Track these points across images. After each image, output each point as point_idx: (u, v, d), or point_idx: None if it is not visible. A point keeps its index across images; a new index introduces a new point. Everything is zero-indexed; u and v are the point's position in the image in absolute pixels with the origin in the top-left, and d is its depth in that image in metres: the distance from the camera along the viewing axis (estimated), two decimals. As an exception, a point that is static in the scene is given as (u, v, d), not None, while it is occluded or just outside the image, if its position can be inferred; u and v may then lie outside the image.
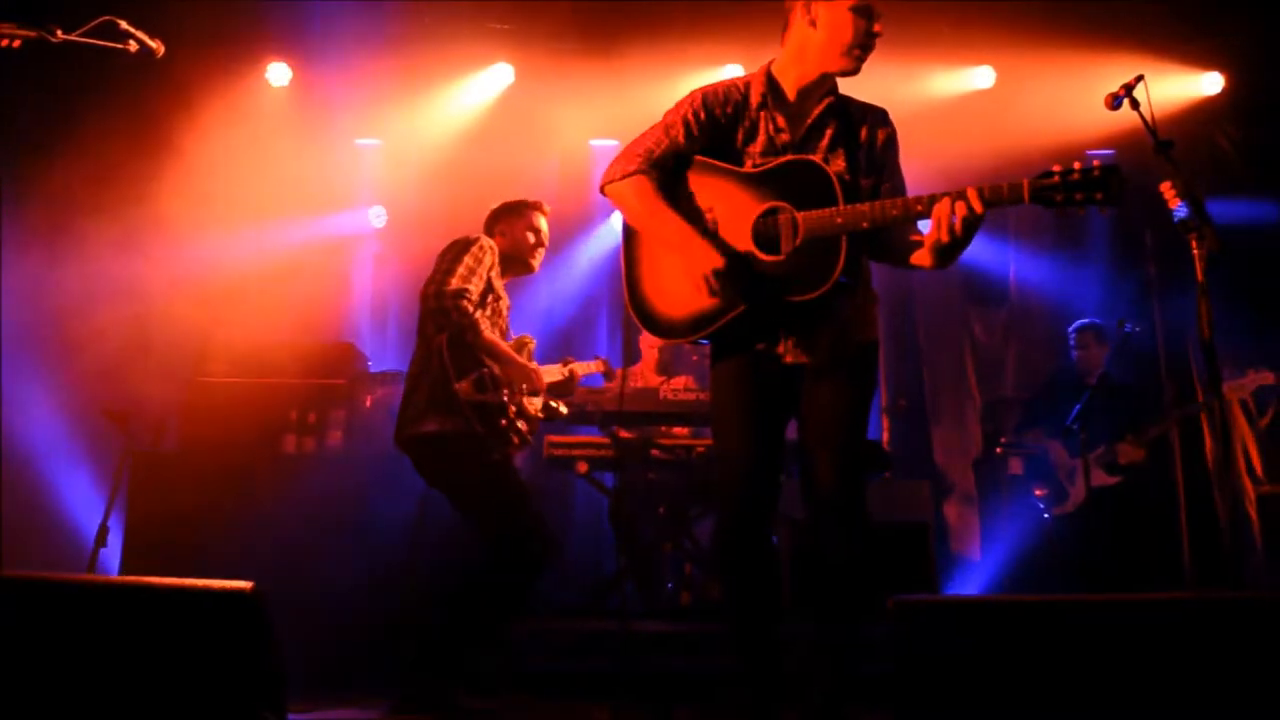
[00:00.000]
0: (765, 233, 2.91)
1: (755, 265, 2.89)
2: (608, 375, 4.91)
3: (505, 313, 4.13)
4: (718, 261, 2.85)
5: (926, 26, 6.25)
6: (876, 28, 2.94)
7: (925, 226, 2.85)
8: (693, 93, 3.09)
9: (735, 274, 2.86)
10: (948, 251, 2.79)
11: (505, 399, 3.87)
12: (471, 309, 3.83)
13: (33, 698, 2.08)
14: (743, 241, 2.93)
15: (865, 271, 3.08)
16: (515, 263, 4.23)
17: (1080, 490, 5.44)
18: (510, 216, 4.26)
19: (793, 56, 3.03)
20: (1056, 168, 2.63)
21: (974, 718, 2.09)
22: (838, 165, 2.94)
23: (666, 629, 4.50)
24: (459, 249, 3.96)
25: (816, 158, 2.95)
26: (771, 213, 2.90)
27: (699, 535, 5.31)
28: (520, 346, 4.10)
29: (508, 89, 6.77)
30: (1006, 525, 5.98)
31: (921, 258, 2.90)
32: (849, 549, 2.91)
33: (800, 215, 2.85)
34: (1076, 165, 2.62)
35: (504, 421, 3.85)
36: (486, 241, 4.05)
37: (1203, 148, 6.63)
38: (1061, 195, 2.62)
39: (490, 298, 4.00)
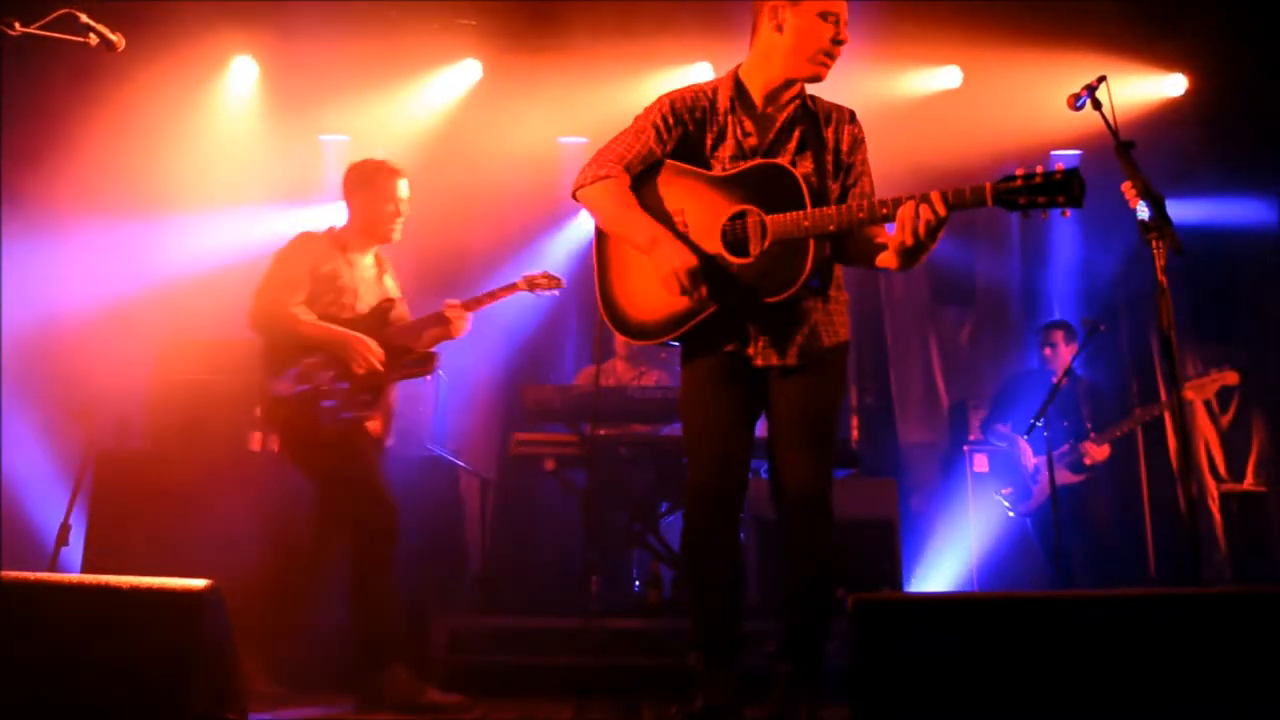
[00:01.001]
0: (734, 235, 2.92)
1: (724, 267, 2.90)
2: (539, 284, 4.45)
3: (353, 288, 4.07)
4: (690, 261, 2.85)
5: (893, 26, 6.28)
6: (843, 35, 2.96)
7: (892, 228, 2.87)
8: (661, 98, 3.10)
9: (705, 275, 2.87)
10: (912, 254, 2.81)
11: (320, 386, 3.90)
12: (275, 318, 3.93)
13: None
14: (712, 244, 2.94)
15: (836, 273, 3.10)
16: (375, 234, 4.13)
17: (1044, 488, 5.48)
18: (365, 188, 4.13)
19: (759, 60, 3.05)
20: (1019, 171, 2.66)
21: (937, 715, 2.10)
22: (805, 168, 2.96)
23: (633, 626, 4.51)
24: (269, 266, 4.04)
25: (784, 161, 2.97)
26: (740, 216, 2.92)
27: (666, 533, 5.32)
28: (382, 313, 4.08)
29: (475, 86, 6.74)
30: (973, 523, 6.02)
31: (887, 260, 2.93)
32: (817, 548, 2.93)
33: (768, 218, 2.86)
34: (1039, 169, 2.65)
35: (325, 404, 3.88)
36: (294, 240, 4.08)
37: (1165, 149, 6.70)
38: (1024, 198, 2.65)
39: (323, 287, 3.99)
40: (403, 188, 4.15)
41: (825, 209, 2.83)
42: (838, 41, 2.96)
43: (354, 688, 3.80)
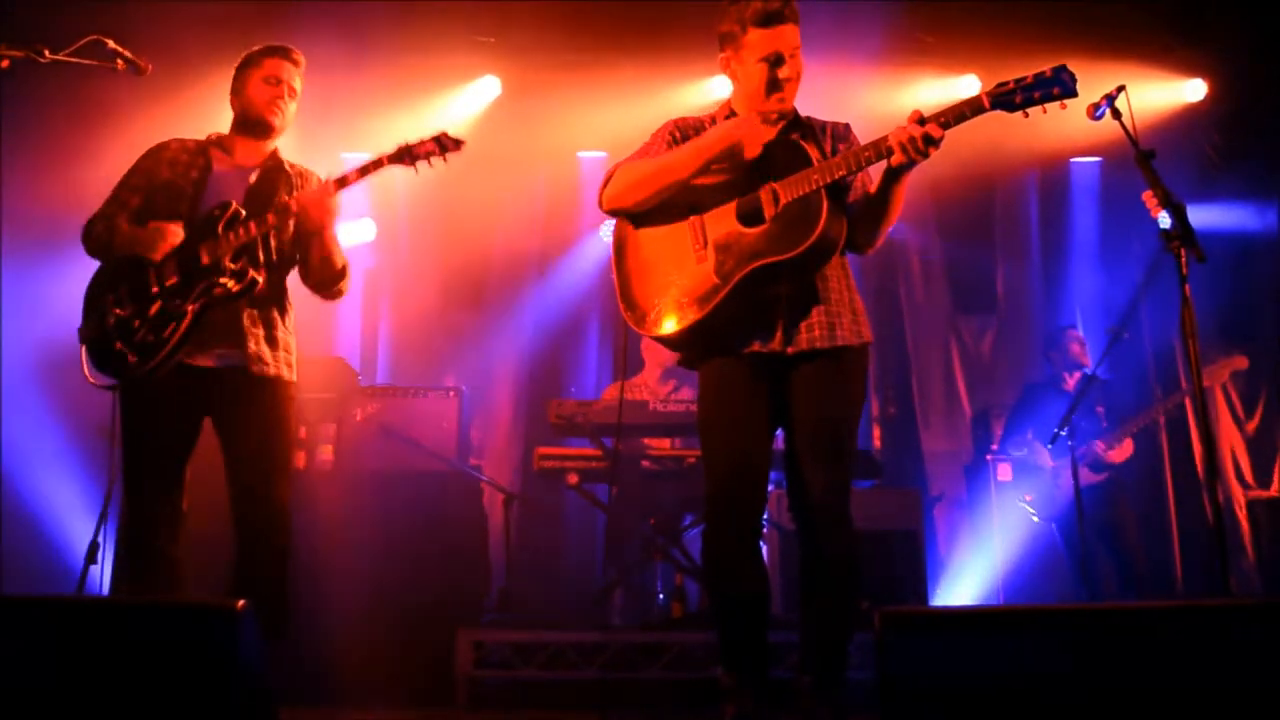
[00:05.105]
0: (749, 210, 2.96)
1: (743, 240, 2.92)
2: (422, 151, 3.69)
3: (195, 193, 3.52)
4: (750, 118, 2.93)
5: (910, 35, 6.28)
6: (789, 71, 3.02)
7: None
8: (666, 122, 3.19)
9: (728, 247, 2.91)
10: (900, 170, 2.85)
11: (111, 321, 3.40)
12: (94, 231, 3.47)
13: (23, 718, 2.07)
14: (727, 222, 2.96)
15: (851, 277, 3.11)
16: (253, 126, 3.64)
17: (1067, 491, 5.44)
18: (240, 75, 3.63)
19: (737, 96, 3.18)
20: (1010, 79, 2.73)
21: (964, 726, 2.10)
22: (811, 152, 2.99)
23: (657, 640, 4.51)
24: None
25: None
26: (751, 191, 2.96)
27: (689, 546, 5.32)
28: (210, 220, 3.44)
29: (494, 102, 6.78)
30: (997, 532, 5.99)
31: (880, 198, 2.94)
32: (837, 561, 2.93)
33: (779, 184, 2.91)
34: (1029, 74, 2.71)
35: (118, 344, 3.38)
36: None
37: (1186, 155, 6.67)
38: (1020, 97, 2.71)
39: (161, 196, 3.49)
40: (286, 69, 3.65)
41: (833, 158, 2.88)
42: (781, 81, 3.01)
43: (373, 703, 3.79)
